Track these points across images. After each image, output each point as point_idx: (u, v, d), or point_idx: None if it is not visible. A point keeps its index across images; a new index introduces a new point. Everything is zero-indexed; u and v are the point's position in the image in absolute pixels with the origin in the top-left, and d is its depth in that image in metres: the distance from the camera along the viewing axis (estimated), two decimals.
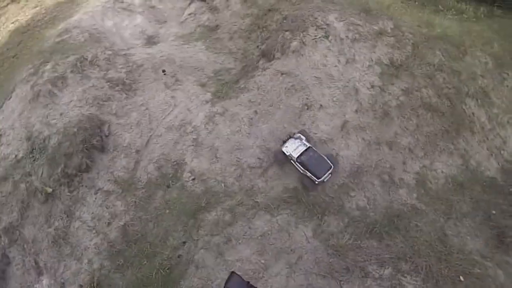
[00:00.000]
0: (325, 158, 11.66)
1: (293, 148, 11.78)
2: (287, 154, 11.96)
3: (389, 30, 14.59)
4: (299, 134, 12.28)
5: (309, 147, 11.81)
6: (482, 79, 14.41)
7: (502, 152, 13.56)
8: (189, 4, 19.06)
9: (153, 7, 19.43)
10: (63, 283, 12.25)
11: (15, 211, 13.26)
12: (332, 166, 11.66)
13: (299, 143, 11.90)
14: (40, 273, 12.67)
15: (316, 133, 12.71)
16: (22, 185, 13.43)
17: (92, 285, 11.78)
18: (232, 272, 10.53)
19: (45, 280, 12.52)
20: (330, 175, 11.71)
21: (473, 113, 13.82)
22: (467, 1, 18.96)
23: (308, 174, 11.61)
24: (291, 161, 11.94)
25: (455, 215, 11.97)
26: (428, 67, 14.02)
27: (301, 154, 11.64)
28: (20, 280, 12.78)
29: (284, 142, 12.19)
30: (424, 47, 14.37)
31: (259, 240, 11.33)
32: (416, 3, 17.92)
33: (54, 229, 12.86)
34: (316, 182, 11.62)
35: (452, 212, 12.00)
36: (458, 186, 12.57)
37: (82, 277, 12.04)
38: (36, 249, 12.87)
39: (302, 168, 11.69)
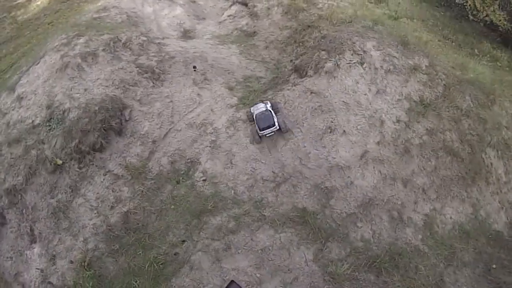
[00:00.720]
0: (275, 118, 12.58)
1: (257, 109, 12.98)
2: (252, 112, 13.04)
3: (424, 67, 14.39)
4: (268, 101, 13.30)
5: (267, 109, 12.82)
6: (506, 131, 14.20)
7: None
8: (230, 6, 19.05)
9: (194, 1, 19.47)
10: (54, 256, 12.17)
11: (21, 175, 13.24)
12: (276, 126, 12.53)
13: (263, 107, 12.99)
14: (33, 241, 12.62)
15: (334, 158, 12.56)
16: (33, 151, 13.43)
17: (83, 263, 11.63)
18: (232, 281, 10.36)
19: (36, 249, 12.45)
20: (272, 133, 12.61)
21: (491, 163, 13.61)
22: (503, 49, 18.87)
23: (256, 127, 12.66)
24: (253, 118, 12.99)
25: (456, 263, 11.74)
26: (456, 111, 13.85)
27: (258, 113, 12.77)
28: (12, 243, 12.77)
29: (255, 104, 13.33)
30: (455, 89, 14.20)
31: (259, 253, 11.19)
32: (453, 43, 17.82)
33: (56, 201, 12.84)
34: (259, 135, 12.64)
35: (453, 260, 11.76)
36: (464, 235, 12.34)
37: (74, 254, 11.94)
38: (34, 217, 12.82)
39: (255, 123, 12.79)
